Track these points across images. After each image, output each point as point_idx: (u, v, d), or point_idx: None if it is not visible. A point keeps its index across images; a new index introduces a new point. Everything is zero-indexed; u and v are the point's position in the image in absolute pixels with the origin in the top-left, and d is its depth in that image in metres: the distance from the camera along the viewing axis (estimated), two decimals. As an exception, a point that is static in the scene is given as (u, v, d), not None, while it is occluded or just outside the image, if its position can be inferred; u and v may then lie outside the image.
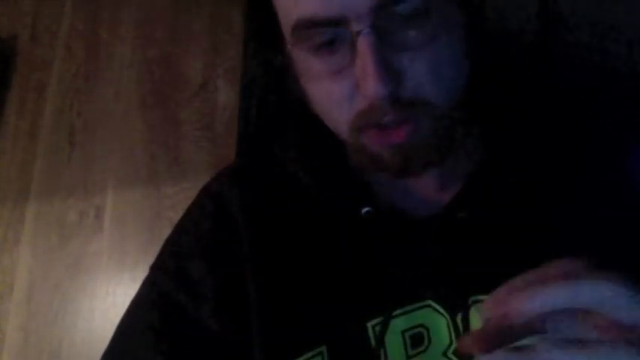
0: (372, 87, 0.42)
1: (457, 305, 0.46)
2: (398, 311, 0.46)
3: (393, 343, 0.46)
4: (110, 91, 1.18)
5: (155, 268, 0.59)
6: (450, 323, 0.45)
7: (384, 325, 0.46)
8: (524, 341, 0.32)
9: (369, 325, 0.47)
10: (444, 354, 0.45)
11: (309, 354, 0.47)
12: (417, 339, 0.46)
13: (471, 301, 0.46)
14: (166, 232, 1.01)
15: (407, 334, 0.46)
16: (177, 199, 1.02)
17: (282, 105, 0.88)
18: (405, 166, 0.47)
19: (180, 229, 0.61)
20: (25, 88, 1.31)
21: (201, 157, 1.03)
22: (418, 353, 0.45)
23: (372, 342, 0.46)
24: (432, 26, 0.43)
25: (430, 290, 0.47)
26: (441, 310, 0.46)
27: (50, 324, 1.09)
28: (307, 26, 0.44)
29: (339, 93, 0.46)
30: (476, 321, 0.45)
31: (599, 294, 0.31)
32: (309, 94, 0.50)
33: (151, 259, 1.04)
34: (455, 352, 0.45)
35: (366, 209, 0.50)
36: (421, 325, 0.46)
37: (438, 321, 0.46)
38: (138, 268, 1.03)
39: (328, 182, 0.53)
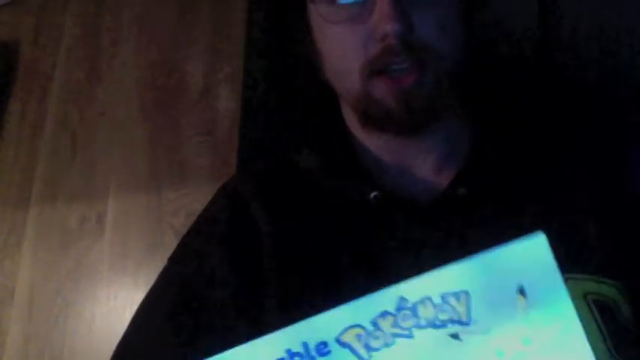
0: (390, 25, 0.48)
1: None
2: None
3: None
4: (112, 97, 1.18)
5: (173, 259, 0.61)
6: None
7: None
8: None
9: None
10: None
11: None
12: None
13: None
14: (168, 237, 1.03)
15: None
16: (179, 205, 1.03)
17: (289, 107, 0.89)
18: (409, 114, 0.52)
19: (197, 224, 0.63)
20: (27, 93, 1.31)
21: (203, 162, 1.03)
22: None
23: None
24: None
25: None
26: None
27: (51, 328, 1.09)
28: None
29: (355, 40, 0.52)
30: None
31: None
32: (325, 54, 0.56)
33: (152, 263, 1.05)
34: None
35: (374, 193, 0.54)
36: None
37: None
38: (139, 273, 1.03)
39: (339, 173, 0.57)
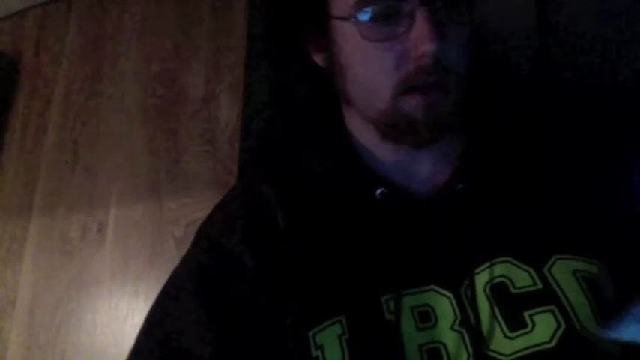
0: (428, 46, 0.52)
1: (459, 282, 0.52)
2: (407, 290, 0.53)
3: (405, 316, 0.52)
4: (114, 106, 1.19)
5: (189, 251, 0.63)
6: (454, 301, 0.52)
7: (395, 300, 0.52)
8: None
9: (384, 298, 0.52)
10: (451, 328, 0.51)
11: (330, 321, 0.52)
12: (425, 315, 0.52)
13: (474, 273, 0.52)
14: (169, 245, 1.03)
15: (415, 311, 0.52)
16: (180, 214, 1.03)
17: (289, 116, 0.90)
18: (432, 128, 0.55)
19: (211, 216, 0.65)
20: (29, 104, 1.32)
21: (204, 171, 1.03)
22: (427, 328, 0.51)
23: (386, 314, 0.52)
24: (463, 15, 0.55)
25: (433, 275, 0.53)
26: (444, 292, 0.52)
27: (53, 338, 1.09)
28: None
29: (390, 58, 0.54)
30: (479, 288, 0.51)
31: None
32: (350, 68, 0.58)
33: (153, 272, 1.05)
34: (461, 324, 0.50)
35: (380, 190, 0.57)
36: (427, 305, 0.52)
37: (441, 301, 0.52)
38: (140, 282, 1.03)
39: (344, 173, 0.61)
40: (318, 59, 0.63)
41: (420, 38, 0.52)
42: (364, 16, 0.54)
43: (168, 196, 1.06)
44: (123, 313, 1.03)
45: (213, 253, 0.59)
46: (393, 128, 0.57)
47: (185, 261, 0.62)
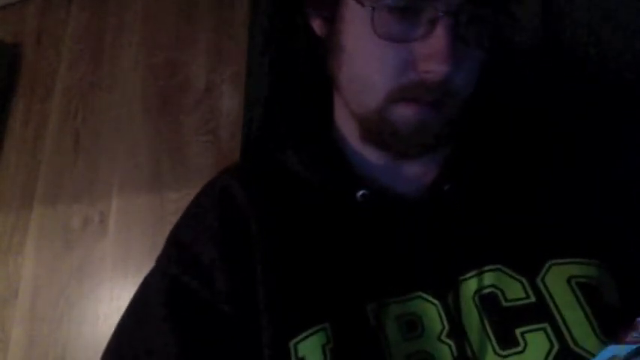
0: (443, 67, 0.47)
1: (446, 290, 0.49)
2: (393, 299, 0.49)
3: (390, 326, 0.48)
4: (115, 97, 1.19)
5: (161, 259, 0.61)
6: (441, 309, 0.48)
7: (380, 309, 0.49)
8: None
9: (369, 307, 0.49)
10: (439, 338, 0.48)
11: (313, 329, 0.49)
12: (411, 325, 0.49)
13: (460, 280, 0.49)
14: (170, 237, 1.03)
15: (402, 320, 0.49)
16: (181, 204, 1.02)
17: (291, 106, 0.89)
18: (414, 144, 0.53)
19: (183, 222, 0.62)
20: (30, 94, 1.32)
21: (205, 162, 1.03)
22: (414, 337, 0.48)
23: (372, 322, 0.48)
24: (482, 38, 0.50)
25: (419, 282, 0.50)
26: (431, 299, 0.49)
27: (54, 329, 1.09)
28: None
29: (393, 59, 0.49)
30: (468, 298, 0.49)
31: None
32: (349, 54, 0.53)
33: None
34: (449, 335, 0.47)
35: (361, 192, 0.54)
36: (414, 314, 0.49)
37: (428, 310, 0.49)
38: (142, 273, 1.02)
39: (325, 173, 0.57)
40: (317, 26, 0.58)
41: (434, 52, 0.47)
42: (382, 5, 0.48)
43: (169, 187, 1.05)
44: (125, 303, 1.01)
45: (182, 263, 0.57)
46: (376, 134, 0.54)
47: (155, 270, 0.60)
